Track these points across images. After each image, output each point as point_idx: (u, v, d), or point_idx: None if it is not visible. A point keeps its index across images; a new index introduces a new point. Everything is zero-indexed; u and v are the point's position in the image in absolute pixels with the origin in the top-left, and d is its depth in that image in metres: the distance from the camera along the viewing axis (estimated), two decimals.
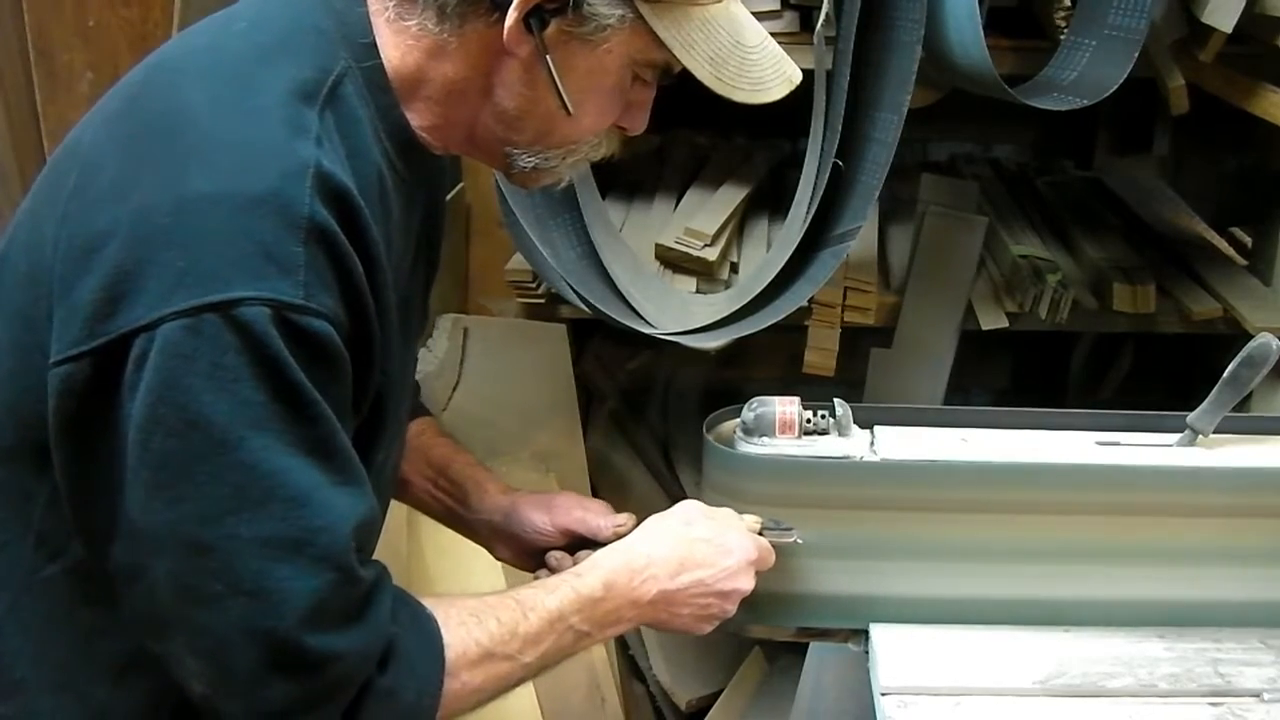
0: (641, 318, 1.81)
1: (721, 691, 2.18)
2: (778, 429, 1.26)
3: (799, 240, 1.71)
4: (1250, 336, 1.28)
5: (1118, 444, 1.31)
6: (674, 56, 1.00)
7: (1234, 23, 1.64)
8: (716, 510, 1.21)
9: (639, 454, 2.36)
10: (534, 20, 0.96)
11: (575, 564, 1.20)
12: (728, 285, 1.99)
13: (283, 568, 0.88)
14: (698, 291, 1.96)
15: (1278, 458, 1.30)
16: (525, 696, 1.83)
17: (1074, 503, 1.25)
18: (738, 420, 1.29)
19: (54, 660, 0.99)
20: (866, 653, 1.27)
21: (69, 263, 0.90)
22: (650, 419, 2.47)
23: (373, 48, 0.99)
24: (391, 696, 0.95)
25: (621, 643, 2.18)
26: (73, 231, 0.91)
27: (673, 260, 1.98)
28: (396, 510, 1.38)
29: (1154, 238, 2.15)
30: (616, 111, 1.07)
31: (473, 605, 1.04)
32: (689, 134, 2.48)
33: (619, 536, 1.22)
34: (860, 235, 1.68)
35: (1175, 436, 1.31)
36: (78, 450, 0.91)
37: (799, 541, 1.24)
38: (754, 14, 1.07)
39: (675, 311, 1.84)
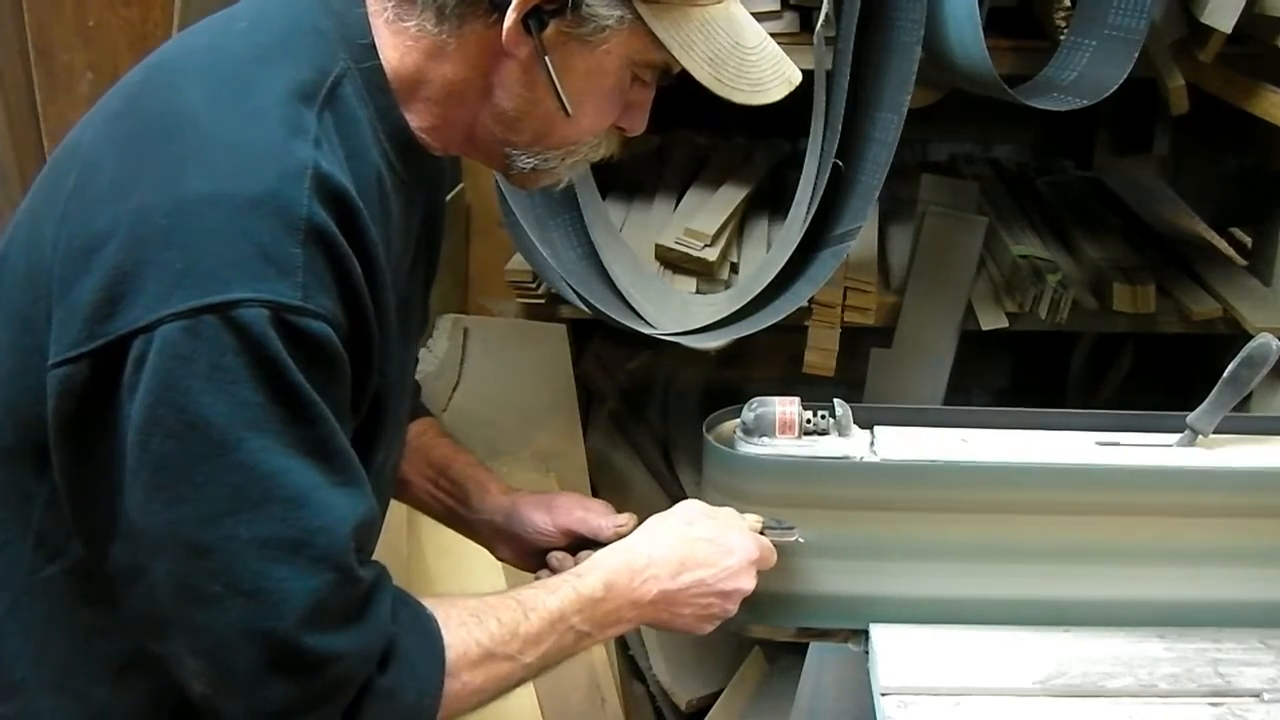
0: (641, 318, 1.81)
1: (721, 691, 2.18)
2: (778, 429, 1.26)
3: (799, 240, 1.71)
4: (1250, 336, 1.28)
5: (1118, 444, 1.31)
6: (673, 57, 1.00)
7: (1234, 23, 1.64)
8: (718, 510, 1.21)
9: (639, 454, 2.36)
10: (533, 21, 0.96)
11: (576, 564, 1.20)
12: (728, 285, 1.99)
13: (282, 568, 0.88)
14: (698, 292, 1.96)
15: (1278, 458, 1.30)
16: (525, 696, 1.83)
17: (1074, 503, 1.25)
18: (738, 420, 1.29)
19: (54, 660, 0.99)
20: (866, 653, 1.27)
21: (68, 263, 0.90)
22: (650, 419, 2.47)
23: (371, 49, 0.99)
24: (392, 697, 0.95)
25: (621, 643, 2.18)
26: (72, 232, 0.91)
27: (673, 260, 1.98)
28: (396, 510, 1.38)
29: (1154, 238, 2.15)
30: (615, 112, 1.07)
31: (473, 605, 1.04)
32: (689, 134, 2.48)
33: (620, 536, 1.22)
34: (860, 235, 1.68)
35: (1175, 436, 1.31)
36: (77, 451, 0.91)
37: (800, 541, 1.24)
38: (754, 14, 1.07)
39: (675, 312, 1.84)
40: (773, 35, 1.08)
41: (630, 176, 2.28)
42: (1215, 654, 1.24)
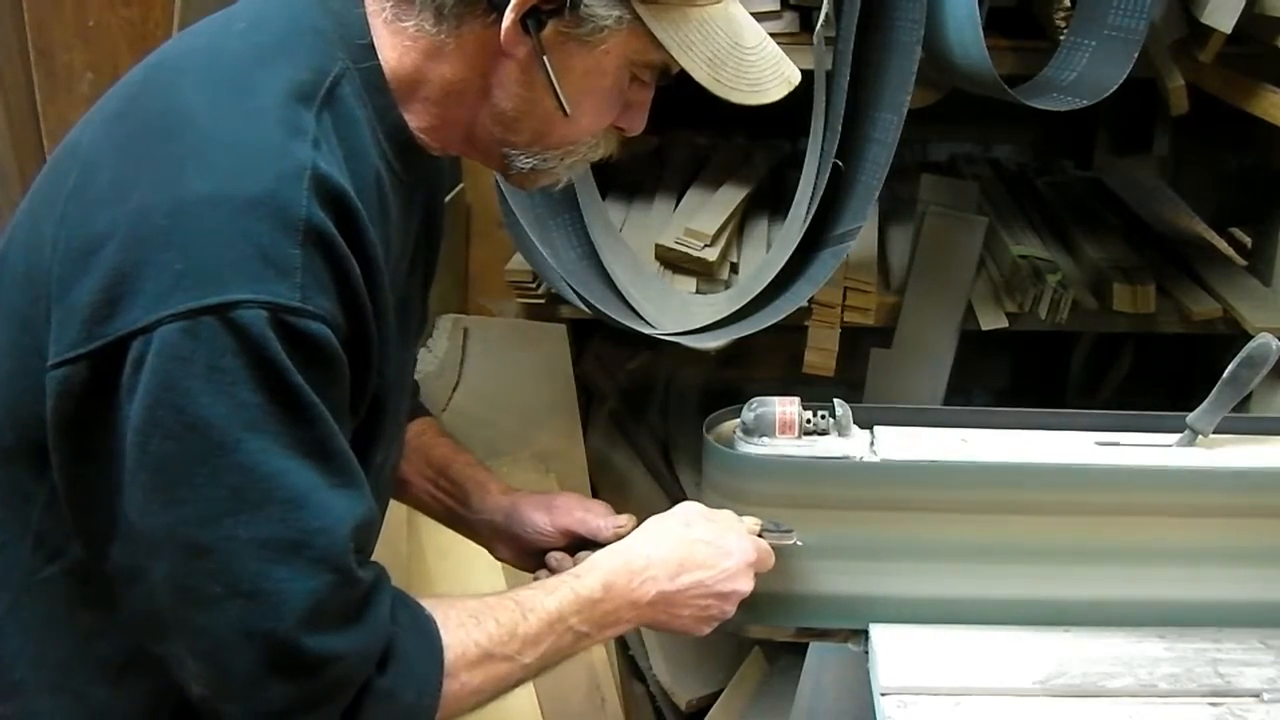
0: (641, 318, 1.81)
1: (721, 691, 2.18)
2: (778, 429, 1.26)
3: (799, 240, 1.71)
4: (1250, 336, 1.28)
5: (1117, 444, 1.31)
6: (672, 58, 1.00)
7: (1234, 23, 1.64)
8: (716, 512, 1.21)
9: (639, 454, 2.36)
10: (531, 21, 0.96)
11: (575, 565, 1.20)
12: (728, 285, 1.99)
13: (281, 569, 0.88)
14: (698, 292, 1.96)
15: (1278, 458, 1.30)
16: (525, 696, 1.83)
17: (1074, 503, 1.25)
18: (738, 420, 1.29)
19: (53, 661, 0.99)
20: (866, 653, 1.27)
21: (67, 264, 0.90)
22: (650, 419, 2.47)
23: (370, 49, 0.99)
24: (391, 697, 0.95)
25: (621, 643, 2.18)
26: (71, 232, 0.91)
27: (673, 260, 1.98)
28: (396, 510, 1.38)
29: (1154, 238, 2.15)
30: (614, 112, 1.06)
31: (472, 606, 1.04)
32: (689, 134, 2.48)
33: (619, 537, 1.21)
34: (860, 235, 1.68)
35: (1175, 436, 1.31)
36: (76, 452, 0.91)
37: (798, 544, 1.24)
38: (753, 14, 1.07)
39: (675, 311, 1.84)
40: (772, 35, 1.08)
41: (630, 176, 2.28)
42: (1215, 654, 1.24)
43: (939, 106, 1.85)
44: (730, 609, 1.17)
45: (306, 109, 0.93)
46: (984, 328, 1.96)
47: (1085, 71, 1.70)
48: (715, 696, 2.18)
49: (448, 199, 1.39)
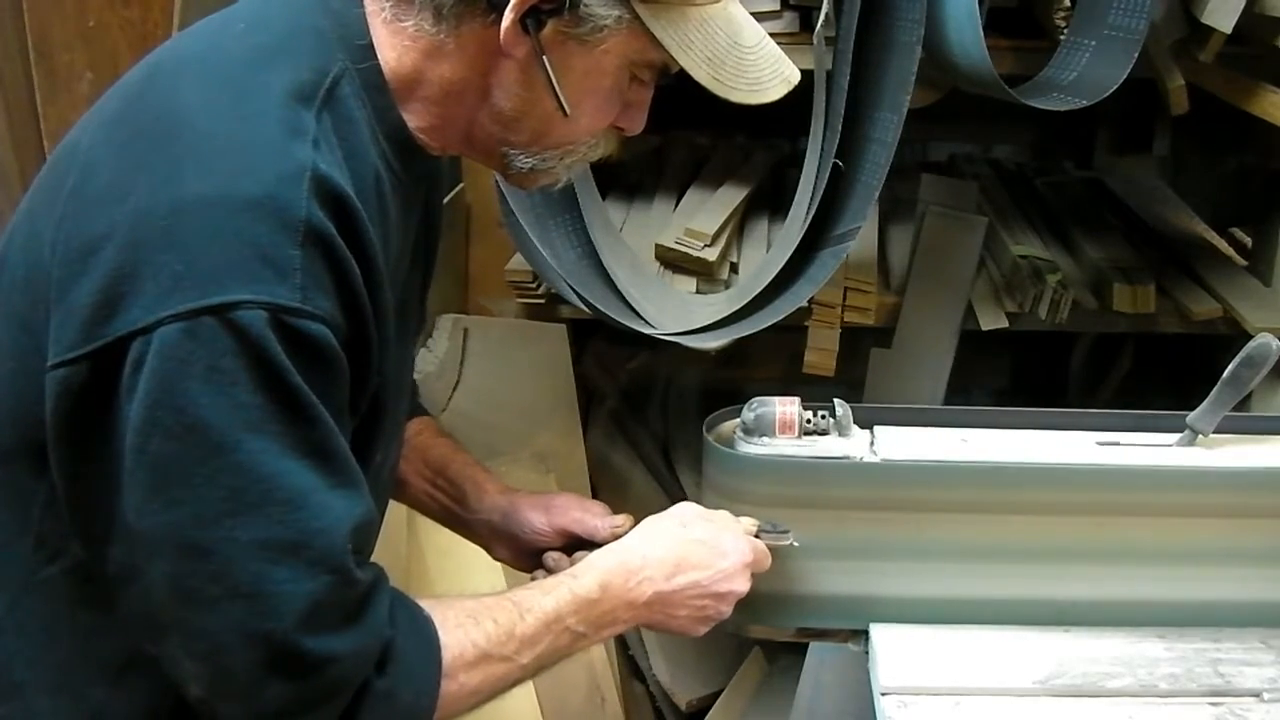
0: (641, 318, 1.81)
1: (721, 691, 2.18)
2: (778, 429, 1.26)
3: (799, 240, 1.71)
4: (1250, 336, 1.28)
5: (1118, 444, 1.31)
6: (671, 57, 1.00)
7: (1234, 23, 1.64)
8: (713, 512, 1.21)
9: (639, 454, 2.36)
10: (530, 21, 0.96)
11: (572, 565, 1.20)
12: (728, 285, 1.99)
13: (280, 570, 0.88)
14: (698, 292, 1.96)
15: (1278, 458, 1.30)
16: (525, 696, 1.83)
17: (1074, 503, 1.25)
18: (738, 420, 1.29)
19: (52, 661, 0.99)
20: (866, 653, 1.27)
21: (66, 265, 0.90)
22: (650, 419, 2.47)
23: (370, 49, 0.99)
24: (389, 698, 0.95)
25: (621, 643, 2.18)
26: (70, 233, 0.90)
27: (673, 260, 1.98)
28: (396, 510, 1.38)
29: (1154, 238, 2.15)
30: (614, 112, 1.06)
31: (470, 607, 1.04)
32: (689, 134, 2.48)
33: (616, 537, 1.21)
34: (860, 235, 1.68)
35: (1175, 436, 1.31)
36: (76, 452, 0.91)
37: (795, 544, 1.24)
38: (753, 14, 1.07)
39: (675, 311, 1.84)
40: (772, 35, 1.08)
41: (630, 176, 2.28)
42: (1215, 654, 1.24)
43: (939, 106, 1.85)
44: (727, 609, 1.17)
45: (306, 109, 0.93)
46: (984, 328, 1.96)
47: (1085, 71, 1.70)
48: (715, 696, 2.18)
49: (447, 199, 1.39)
